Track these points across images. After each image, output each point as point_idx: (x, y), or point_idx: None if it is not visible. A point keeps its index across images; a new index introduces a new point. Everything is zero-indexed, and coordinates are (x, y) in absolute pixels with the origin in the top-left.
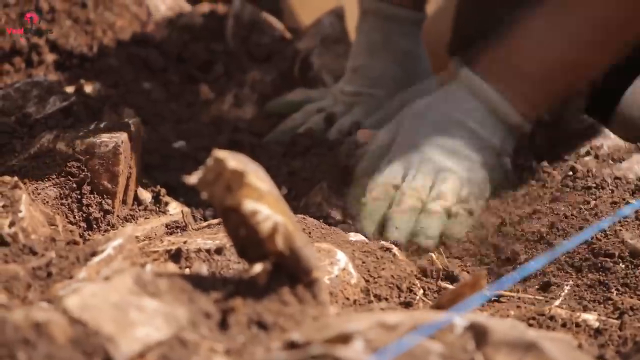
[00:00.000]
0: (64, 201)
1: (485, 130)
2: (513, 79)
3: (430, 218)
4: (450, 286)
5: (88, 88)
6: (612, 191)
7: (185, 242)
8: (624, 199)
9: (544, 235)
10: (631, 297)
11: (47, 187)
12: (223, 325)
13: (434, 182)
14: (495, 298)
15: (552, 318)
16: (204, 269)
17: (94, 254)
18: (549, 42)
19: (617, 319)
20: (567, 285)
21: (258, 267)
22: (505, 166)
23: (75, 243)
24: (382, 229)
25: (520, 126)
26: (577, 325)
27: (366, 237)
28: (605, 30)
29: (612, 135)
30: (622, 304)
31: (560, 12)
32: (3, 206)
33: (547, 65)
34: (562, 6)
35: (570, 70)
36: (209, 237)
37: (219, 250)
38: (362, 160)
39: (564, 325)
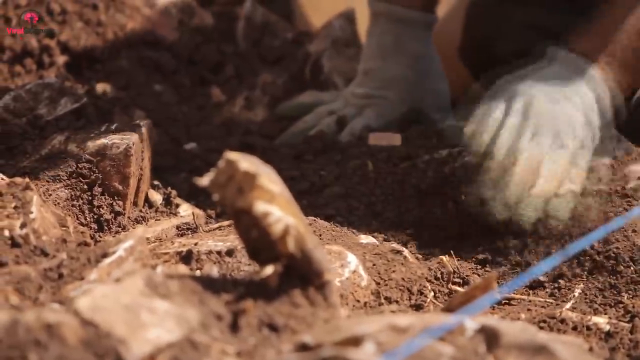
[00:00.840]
0: (75, 202)
1: (594, 115)
2: (614, 63)
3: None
4: (460, 289)
5: (99, 90)
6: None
7: (196, 244)
8: (634, 201)
9: (557, 238)
10: None
11: (58, 188)
12: (234, 327)
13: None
14: (506, 301)
15: (562, 321)
16: (214, 271)
17: (105, 255)
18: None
19: (628, 322)
20: (578, 288)
21: (269, 269)
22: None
23: (86, 244)
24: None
25: (619, 109)
26: (588, 328)
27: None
28: None
29: (623, 138)
30: (633, 307)
31: None
32: (14, 207)
33: (633, 53)
34: None
35: None
36: (220, 238)
37: (230, 252)
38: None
39: (574, 328)
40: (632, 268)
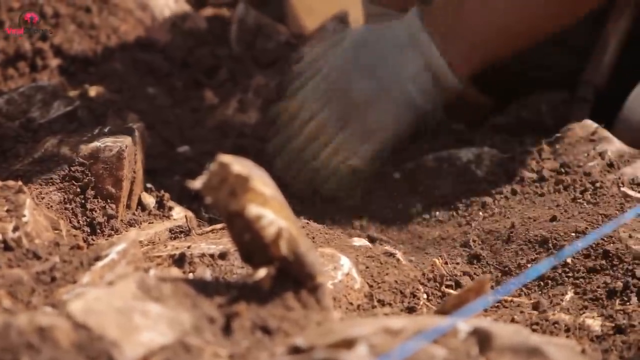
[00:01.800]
0: (67, 206)
1: (421, 96)
2: (456, 38)
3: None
4: (453, 291)
5: (92, 93)
6: (616, 196)
7: (189, 247)
8: (627, 204)
9: (548, 239)
10: (636, 302)
11: (51, 191)
12: (227, 330)
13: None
14: (499, 303)
15: (555, 323)
16: (207, 274)
17: (97, 258)
18: (495, 5)
19: (620, 324)
20: (570, 290)
21: (262, 272)
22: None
23: (79, 248)
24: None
25: (454, 87)
26: (581, 330)
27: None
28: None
29: (616, 140)
30: (626, 309)
31: None
32: (7, 211)
33: (492, 28)
34: None
35: (514, 36)
36: (213, 242)
37: (222, 255)
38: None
39: (567, 330)
40: (624, 270)
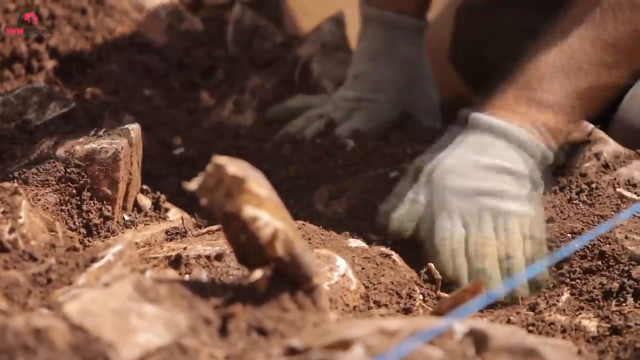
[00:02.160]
0: (63, 207)
1: (519, 166)
2: (533, 113)
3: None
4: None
5: (88, 94)
6: (612, 197)
7: (185, 249)
8: (623, 205)
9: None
10: (632, 303)
11: (47, 193)
12: (223, 331)
13: (496, 227)
14: (495, 304)
15: (551, 324)
16: (203, 275)
17: (93, 260)
18: (561, 71)
19: (616, 325)
20: (566, 291)
21: (258, 273)
22: (538, 196)
23: (75, 249)
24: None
25: (546, 157)
26: (577, 331)
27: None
28: (615, 48)
29: (611, 141)
30: (622, 310)
31: (567, 39)
32: (3, 212)
33: (564, 93)
34: (567, 33)
35: (587, 95)
36: (209, 243)
37: (218, 257)
38: (394, 221)
39: (563, 331)
40: (620, 271)
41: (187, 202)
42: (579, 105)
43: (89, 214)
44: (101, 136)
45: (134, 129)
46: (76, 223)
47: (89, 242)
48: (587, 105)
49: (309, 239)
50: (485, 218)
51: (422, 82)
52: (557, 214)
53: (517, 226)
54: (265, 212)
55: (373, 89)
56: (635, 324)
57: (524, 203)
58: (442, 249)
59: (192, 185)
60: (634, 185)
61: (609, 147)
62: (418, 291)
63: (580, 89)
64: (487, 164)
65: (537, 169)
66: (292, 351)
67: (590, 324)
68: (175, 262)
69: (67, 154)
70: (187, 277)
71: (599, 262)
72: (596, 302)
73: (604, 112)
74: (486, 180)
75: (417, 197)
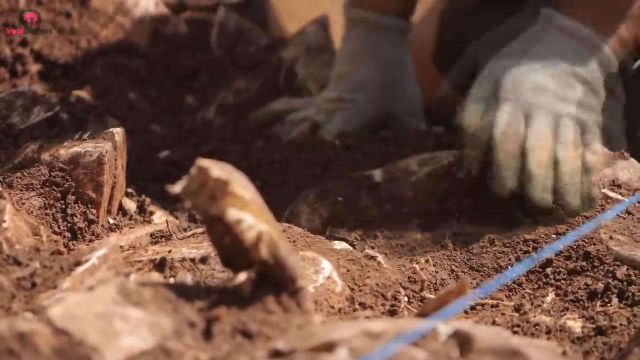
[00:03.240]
0: (48, 211)
1: (585, 69)
2: (604, 17)
3: (577, 175)
4: (433, 295)
5: (73, 98)
6: (596, 198)
7: (169, 252)
8: (608, 206)
9: (529, 241)
10: (616, 304)
11: (31, 197)
12: (207, 334)
13: (555, 129)
14: (479, 305)
15: (536, 325)
16: (188, 278)
17: (78, 263)
18: None
19: (601, 325)
20: (551, 291)
21: (242, 276)
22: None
23: (60, 253)
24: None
25: (611, 63)
26: (562, 332)
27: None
28: None
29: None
30: (607, 310)
31: None
32: None
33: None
34: None
35: None
36: (194, 246)
37: (203, 260)
38: (465, 112)
39: (548, 332)
40: (605, 272)
41: (172, 205)
42: None
43: (74, 217)
44: (85, 140)
45: (118, 132)
46: (61, 227)
47: (74, 245)
48: None
49: (294, 242)
50: (542, 118)
51: (404, 82)
52: (542, 215)
53: (575, 132)
54: (249, 214)
55: (353, 89)
56: (620, 325)
57: (587, 110)
58: (499, 142)
59: (176, 188)
60: (619, 186)
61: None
62: (403, 293)
63: None
64: (556, 66)
65: (602, 76)
66: (276, 353)
67: (575, 325)
68: (160, 265)
69: (52, 157)
70: (171, 280)
71: (584, 263)
72: (581, 302)
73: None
74: (555, 82)
75: (487, 94)
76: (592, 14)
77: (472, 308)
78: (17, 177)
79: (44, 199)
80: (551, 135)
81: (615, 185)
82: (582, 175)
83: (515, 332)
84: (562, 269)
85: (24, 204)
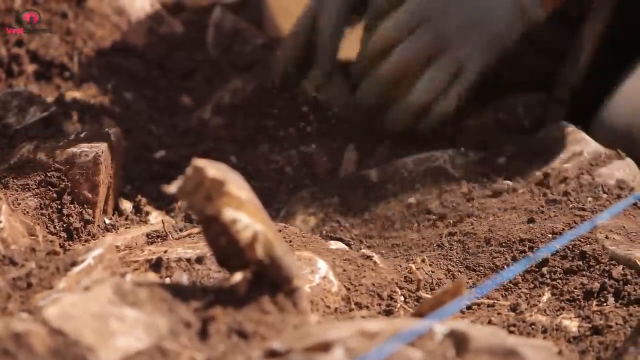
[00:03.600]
0: (44, 211)
1: (508, 31)
2: None
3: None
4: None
5: (69, 98)
6: (592, 197)
7: (166, 252)
8: (603, 205)
9: (525, 241)
10: (613, 303)
11: (27, 197)
12: (203, 334)
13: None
14: (476, 305)
15: (532, 325)
16: (184, 279)
17: (74, 264)
18: None
19: (598, 325)
20: (547, 291)
21: (238, 276)
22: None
23: (56, 253)
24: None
25: (538, 19)
26: (558, 331)
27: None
28: None
29: (592, 141)
30: (603, 310)
31: None
32: None
33: None
34: None
35: None
36: (190, 246)
37: (199, 260)
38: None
39: (544, 331)
40: (601, 271)
41: (169, 206)
42: None
43: (70, 218)
44: (82, 140)
45: (115, 132)
46: (57, 227)
47: (70, 246)
48: None
49: (290, 242)
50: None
51: None
52: (538, 215)
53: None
54: (246, 214)
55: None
56: (617, 324)
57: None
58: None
59: (172, 188)
60: (616, 186)
61: (590, 147)
62: (399, 293)
63: None
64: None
65: (522, 28)
66: (272, 354)
67: (572, 325)
68: (156, 265)
69: (48, 158)
70: (167, 280)
71: (580, 263)
72: (577, 302)
73: (585, 112)
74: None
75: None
76: None
77: (469, 308)
78: (13, 178)
79: (40, 200)
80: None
81: (612, 185)
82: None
83: (511, 332)
84: (559, 269)
85: (20, 204)
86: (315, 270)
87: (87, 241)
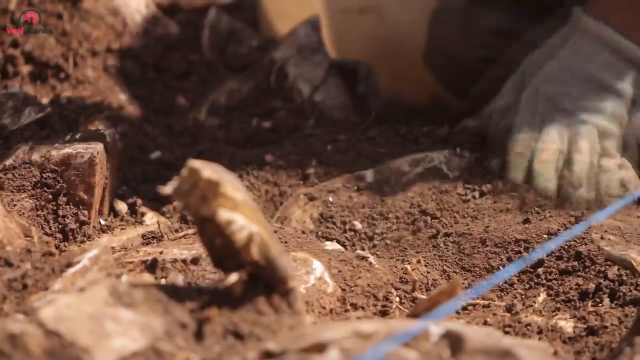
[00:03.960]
0: (39, 212)
1: (615, 77)
2: (636, 18)
3: (579, 169)
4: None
5: (64, 99)
6: None
7: (161, 253)
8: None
9: (520, 241)
10: (608, 304)
11: (22, 198)
12: (199, 335)
13: (570, 134)
14: (471, 305)
15: (528, 325)
16: (179, 279)
17: (69, 265)
18: None
19: (593, 325)
20: (543, 292)
21: (234, 277)
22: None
23: (51, 254)
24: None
25: None
26: (553, 332)
27: None
28: None
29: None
30: (598, 311)
31: None
32: None
33: None
34: None
35: None
36: (185, 247)
37: (195, 261)
38: (492, 116)
39: (540, 332)
40: (596, 272)
41: (164, 206)
42: None
43: (65, 219)
44: (77, 141)
45: (110, 133)
46: (52, 228)
47: (65, 247)
48: None
49: (285, 242)
50: (557, 123)
51: None
52: (533, 215)
53: (589, 139)
54: (241, 215)
55: None
56: (612, 324)
57: (609, 118)
58: (512, 147)
59: (167, 189)
60: None
61: None
62: (395, 293)
63: None
64: (587, 74)
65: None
66: (268, 354)
67: (567, 325)
68: (151, 266)
69: (43, 159)
70: (163, 281)
71: (575, 263)
72: (572, 302)
73: None
74: (572, 86)
75: (512, 96)
76: (630, 20)
77: (464, 308)
78: (8, 179)
79: (36, 201)
80: (560, 139)
81: None
82: (598, 174)
83: (506, 333)
84: (554, 269)
85: (15, 205)
86: (311, 271)
87: (82, 242)
